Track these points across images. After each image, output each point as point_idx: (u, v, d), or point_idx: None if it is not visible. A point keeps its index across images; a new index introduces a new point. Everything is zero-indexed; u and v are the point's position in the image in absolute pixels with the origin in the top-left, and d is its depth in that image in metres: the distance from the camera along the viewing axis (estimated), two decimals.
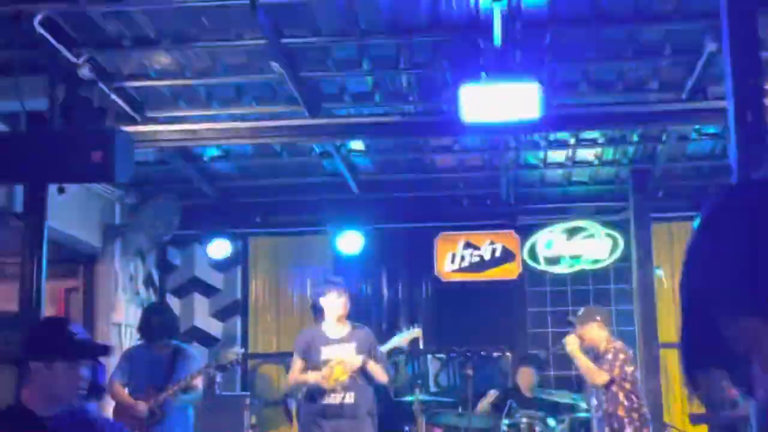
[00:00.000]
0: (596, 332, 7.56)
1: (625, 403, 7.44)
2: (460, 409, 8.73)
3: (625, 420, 7.37)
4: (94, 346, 3.32)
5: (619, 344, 7.59)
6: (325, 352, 6.96)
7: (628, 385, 7.49)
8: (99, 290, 9.33)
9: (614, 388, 7.48)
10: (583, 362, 7.52)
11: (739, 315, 1.13)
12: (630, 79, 7.39)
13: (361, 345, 6.99)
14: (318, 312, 8.52)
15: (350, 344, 7.01)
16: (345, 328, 7.11)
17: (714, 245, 1.16)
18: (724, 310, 1.13)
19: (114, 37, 6.62)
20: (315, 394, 6.95)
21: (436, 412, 8.70)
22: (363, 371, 6.95)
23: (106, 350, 3.45)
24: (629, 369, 7.54)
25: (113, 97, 7.21)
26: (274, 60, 6.71)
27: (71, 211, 8.40)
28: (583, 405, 8.70)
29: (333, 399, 6.87)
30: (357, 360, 6.91)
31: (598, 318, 7.63)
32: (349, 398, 6.92)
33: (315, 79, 7.30)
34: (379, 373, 7.02)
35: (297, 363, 7.09)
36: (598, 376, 7.42)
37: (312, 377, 6.93)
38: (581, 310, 7.92)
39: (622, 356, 7.50)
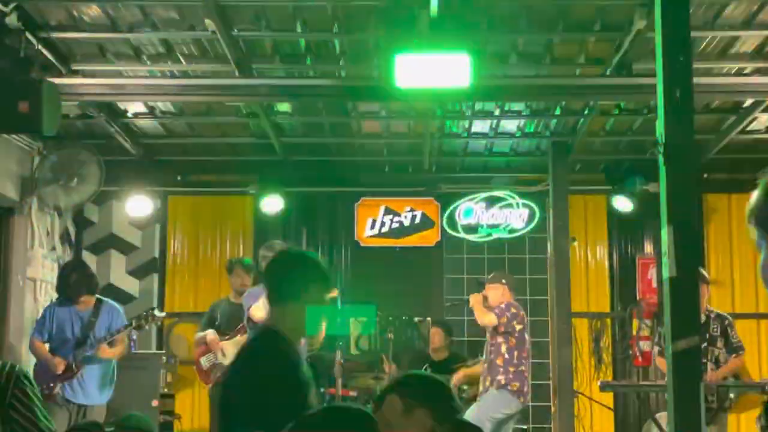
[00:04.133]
0: (500, 293, 8.01)
1: (506, 355, 7.89)
2: (376, 372, 8.85)
3: (500, 369, 7.81)
4: None
5: (516, 303, 8.04)
6: None
7: (513, 340, 7.88)
8: (14, 244, 9.15)
9: (500, 339, 7.92)
10: (477, 309, 8.05)
11: None
12: (558, 53, 7.54)
13: None
14: (233, 271, 8.69)
15: None
16: None
17: None
18: None
19: None
20: None
21: (353, 375, 8.80)
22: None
23: None
24: (518, 327, 7.92)
25: (39, 47, 7.07)
26: (207, 17, 6.66)
27: None
28: None
29: None
30: None
31: (504, 281, 8.20)
32: None
33: (247, 38, 7.27)
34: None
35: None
36: (485, 316, 7.96)
37: None
38: (492, 273, 8.51)
39: (513, 310, 7.96)
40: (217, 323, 8.80)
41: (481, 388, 8.17)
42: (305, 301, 3.58)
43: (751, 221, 2.22)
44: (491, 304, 8.14)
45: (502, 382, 7.85)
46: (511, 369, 7.91)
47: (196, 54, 7.58)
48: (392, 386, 3.07)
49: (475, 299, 8.12)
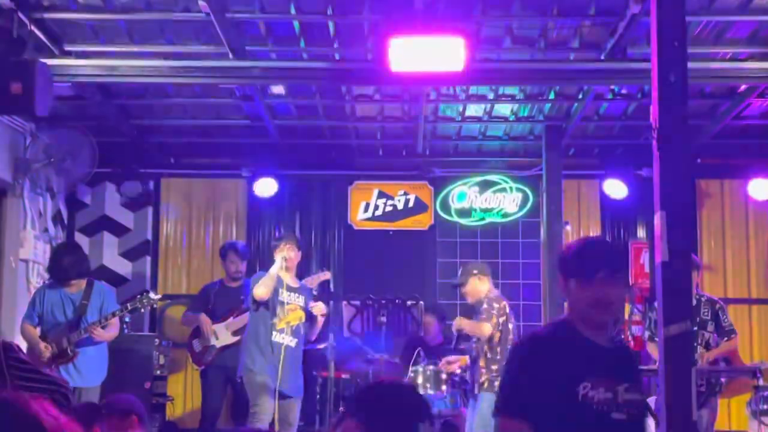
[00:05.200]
0: (476, 285, 7.69)
1: (488, 354, 7.51)
2: (369, 356, 8.85)
3: (483, 370, 7.48)
4: None
5: (494, 294, 7.66)
6: (284, 295, 7.45)
7: (498, 335, 7.57)
8: (7, 225, 9.13)
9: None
10: (468, 326, 7.65)
11: None
12: (552, 37, 7.52)
13: (306, 301, 7.60)
14: (226, 257, 8.72)
15: (302, 296, 7.60)
16: (296, 281, 7.71)
17: None
18: None
19: None
20: (262, 332, 7.38)
21: (346, 357, 8.81)
22: (308, 323, 7.58)
23: None
24: (501, 319, 7.62)
25: (32, 28, 7.03)
26: None
27: None
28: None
29: (281, 339, 7.27)
30: (322, 308, 7.59)
31: (475, 272, 7.76)
32: (293, 342, 7.45)
33: (241, 20, 7.24)
34: (318, 328, 7.71)
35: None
36: (481, 329, 7.52)
37: (273, 269, 7.43)
38: (459, 271, 7.99)
39: (496, 305, 7.57)
40: (210, 306, 8.81)
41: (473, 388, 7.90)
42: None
43: None
44: (472, 299, 7.80)
45: (486, 385, 7.48)
46: (494, 367, 7.56)
47: (190, 36, 7.54)
48: (355, 408, 2.77)
49: (460, 323, 7.69)
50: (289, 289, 7.53)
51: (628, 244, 10.60)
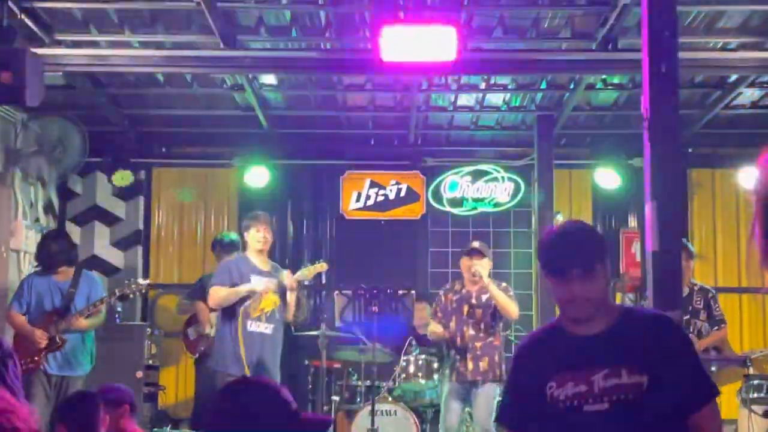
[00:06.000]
0: (489, 267, 7.48)
1: (501, 336, 7.44)
2: (361, 345, 8.85)
3: (504, 356, 7.34)
4: None
5: (504, 284, 7.59)
6: (255, 281, 7.12)
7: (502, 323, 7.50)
8: None
9: (500, 322, 7.47)
10: (499, 294, 7.29)
11: None
12: (544, 27, 7.52)
13: (281, 283, 7.20)
14: (224, 247, 8.61)
15: (274, 279, 7.21)
16: (268, 263, 7.34)
17: None
18: None
19: None
20: (235, 322, 7.05)
21: (337, 347, 8.81)
22: (283, 305, 7.21)
23: None
24: None
25: (22, 17, 7.01)
26: None
27: None
28: None
29: (256, 327, 7.04)
30: (290, 279, 7.14)
31: (490, 255, 7.59)
32: (269, 329, 7.15)
33: (232, 9, 7.22)
34: (292, 306, 7.29)
35: (224, 287, 7.14)
36: (515, 308, 7.33)
37: (244, 288, 7.04)
38: (479, 243, 7.72)
39: (511, 291, 7.52)
40: (206, 295, 8.79)
41: (475, 367, 7.35)
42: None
43: None
44: (477, 274, 7.39)
45: (498, 374, 7.24)
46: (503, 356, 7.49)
47: (181, 25, 7.52)
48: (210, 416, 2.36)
49: (489, 282, 7.25)
50: (260, 273, 7.18)
51: (620, 233, 10.62)
